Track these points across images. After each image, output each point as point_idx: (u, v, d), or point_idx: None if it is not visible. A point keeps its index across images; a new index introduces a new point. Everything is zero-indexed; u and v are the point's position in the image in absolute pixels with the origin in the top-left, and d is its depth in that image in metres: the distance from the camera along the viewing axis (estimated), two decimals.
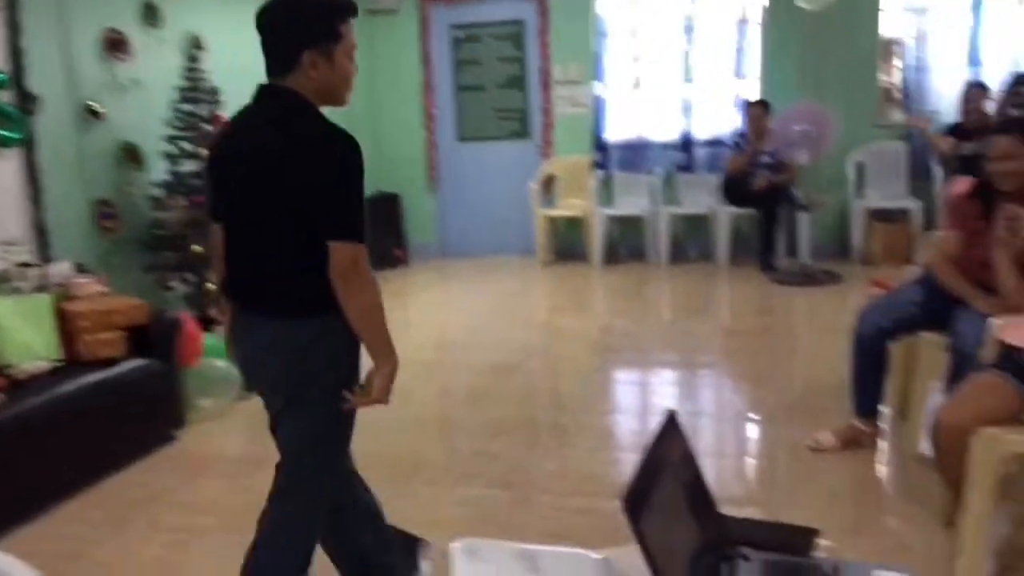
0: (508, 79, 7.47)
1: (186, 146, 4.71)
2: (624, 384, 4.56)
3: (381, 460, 3.56)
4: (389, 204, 7.47)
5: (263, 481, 3.47)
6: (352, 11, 2.01)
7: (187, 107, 4.75)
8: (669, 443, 1.49)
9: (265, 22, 2.00)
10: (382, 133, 7.68)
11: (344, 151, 1.91)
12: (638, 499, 1.29)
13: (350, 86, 2.06)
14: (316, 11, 1.97)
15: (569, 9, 7.12)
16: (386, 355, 2.04)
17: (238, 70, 5.70)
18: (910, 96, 6.59)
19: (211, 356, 4.10)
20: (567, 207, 7.25)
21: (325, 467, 2.16)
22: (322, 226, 1.89)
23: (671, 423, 1.51)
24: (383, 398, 2.05)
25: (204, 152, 4.70)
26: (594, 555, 1.63)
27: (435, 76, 7.56)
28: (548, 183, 7.36)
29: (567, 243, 7.43)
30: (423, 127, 7.61)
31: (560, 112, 7.32)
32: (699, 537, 1.47)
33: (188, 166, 4.71)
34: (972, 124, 5.97)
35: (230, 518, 3.11)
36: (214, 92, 4.84)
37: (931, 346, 3.24)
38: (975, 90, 6.03)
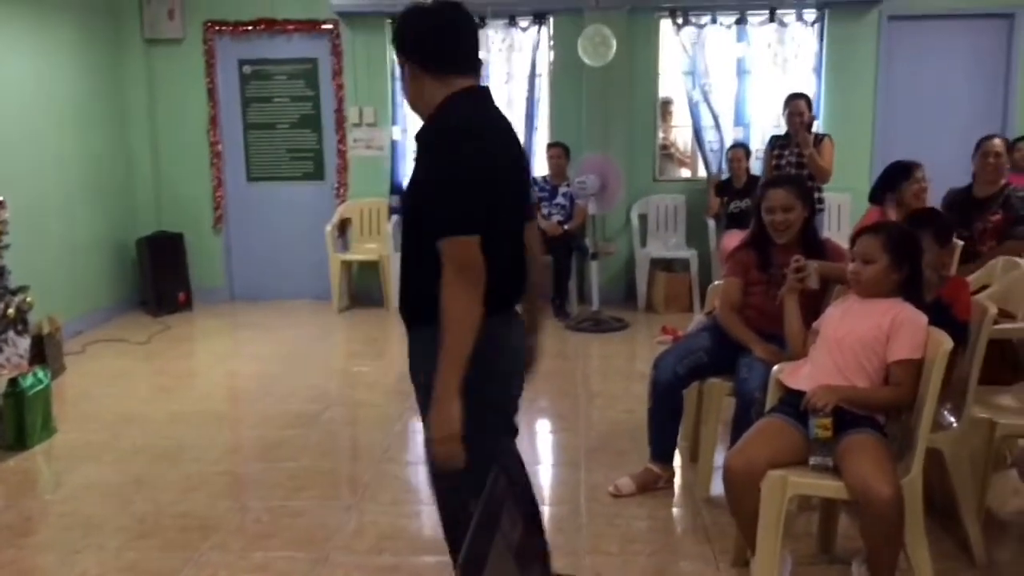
0: (301, 119, 7.28)
1: None
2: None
3: (162, 525, 3.28)
4: (172, 244, 7.01)
5: (25, 552, 3.10)
6: None
7: None
8: (497, 501, 1.45)
9: (467, 21, 2.05)
10: (164, 168, 7.23)
11: None
12: (473, 566, 1.24)
13: None
14: None
15: (364, 51, 7.07)
16: None
17: None
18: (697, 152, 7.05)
19: None
20: (363, 251, 7.13)
21: None
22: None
23: (498, 481, 1.47)
24: None
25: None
26: None
27: (222, 112, 7.23)
28: (343, 226, 7.21)
29: (363, 288, 7.29)
30: (210, 165, 7.24)
31: (355, 155, 7.21)
32: None
33: None
34: (738, 182, 6.51)
35: None
36: None
37: (718, 391, 3.43)
38: (738, 151, 6.58)
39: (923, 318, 2.61)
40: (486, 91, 2.14)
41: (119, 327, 6.37)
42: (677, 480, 3.57)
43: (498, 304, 2.00)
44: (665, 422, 3.47)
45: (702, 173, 7.19)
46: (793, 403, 2.67)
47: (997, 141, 4.50)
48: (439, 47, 1.98)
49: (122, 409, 4.63)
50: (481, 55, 2.17)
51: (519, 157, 2.17)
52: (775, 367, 2.90)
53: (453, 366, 1.84)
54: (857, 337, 2.64)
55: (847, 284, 2.85)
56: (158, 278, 6.81)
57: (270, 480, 3.71)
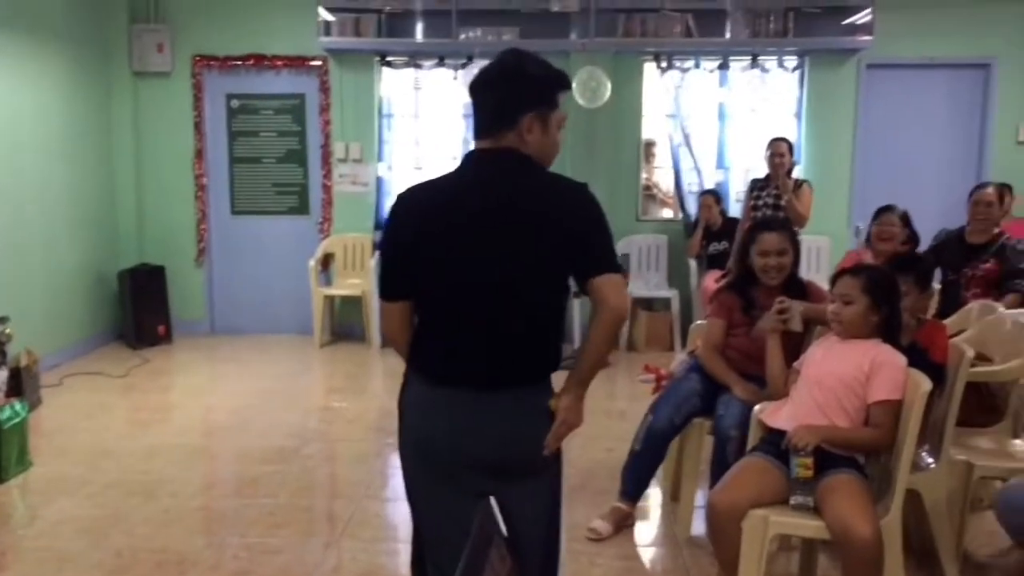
0: (287, 153, 7.31)
1: None
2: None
3: (138, 560, 3.24)
4: (153, 276, 6.98)
5: None
6: (567, 84, 2.08)
7: None
8: (486, 536, 1.45)
9: (485, 81, 2.03)
10: (148, 200, 7.22)
11: (592, 197, 2.01)
12: None
13: (557, 154, 2.10)
14: (538, 77, 2.02)
15: (351, 88, 7.12)
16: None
17: None
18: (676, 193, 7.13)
19: None
20: (345, 286, 7.12)
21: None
22: (590, 265, 1.94)
23: (487, 515, 1.47)
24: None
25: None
26: None
27: (208, 145, 7.25)
28: (326, 261, 7.21)
29: (345, 323, 7.27)
30: (194, 197, 7.24)
31: (340, 190, 7.24)
32: None
33: None
34: (712, 226, 6.57)
35: None
36: None
37: (699, 430, 3.44)
38: (707, 198, 6.66)
39: (902, 359, 2.65)
40: (470, 154, 2.06)
41: (97, 360, 6.32)
42: (658, 519, 3.57)
43: (425, 367, 2.00)
44: (649, 465, 3.46)
45: None
46: (775, 442, 2.69)
47: (990, 190, 4.53)
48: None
49: (98, 443, 4.58)
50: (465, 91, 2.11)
51: (481, 224, 1.94)
52: (756, 407, 2.93)
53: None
54: (838, 377, 2.67)
55: (829, 326, 2.88)
56: (138, 311, 6.77)
57: (248, 516, 3.67)
